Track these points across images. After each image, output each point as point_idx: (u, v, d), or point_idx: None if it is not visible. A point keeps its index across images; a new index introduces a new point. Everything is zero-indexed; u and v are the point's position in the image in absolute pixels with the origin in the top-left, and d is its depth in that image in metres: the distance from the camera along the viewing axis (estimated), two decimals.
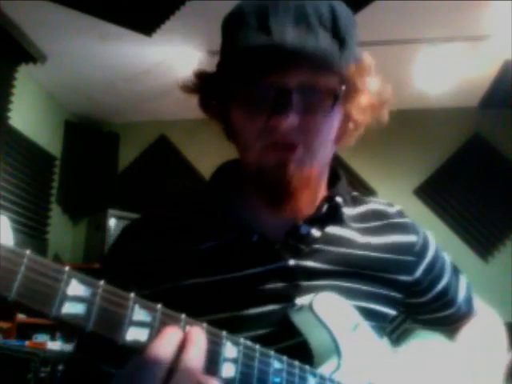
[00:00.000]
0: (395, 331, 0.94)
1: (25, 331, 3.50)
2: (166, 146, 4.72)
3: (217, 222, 0.81)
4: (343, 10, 0.75)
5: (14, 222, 3.67)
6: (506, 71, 3.69)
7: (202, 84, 0.81)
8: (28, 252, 0.45)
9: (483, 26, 3.24)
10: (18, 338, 3.40)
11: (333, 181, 0.87)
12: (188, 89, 0.81)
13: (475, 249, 4.15)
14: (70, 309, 0.48)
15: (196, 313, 0.58)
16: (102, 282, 0.50)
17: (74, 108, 4.58)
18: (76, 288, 0.48)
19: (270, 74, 0.71)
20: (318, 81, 0.72)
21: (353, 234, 0.84)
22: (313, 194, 0.80)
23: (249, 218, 0.80)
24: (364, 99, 0.77)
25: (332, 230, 0.83)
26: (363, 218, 0.88)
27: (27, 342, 3.26)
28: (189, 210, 0.85)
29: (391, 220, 0.89)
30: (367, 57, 0.78)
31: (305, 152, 0.73)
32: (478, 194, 4.19)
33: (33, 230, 3.99)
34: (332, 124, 0.76)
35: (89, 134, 4.72)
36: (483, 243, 4.16)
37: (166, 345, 0.53)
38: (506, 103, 3.97)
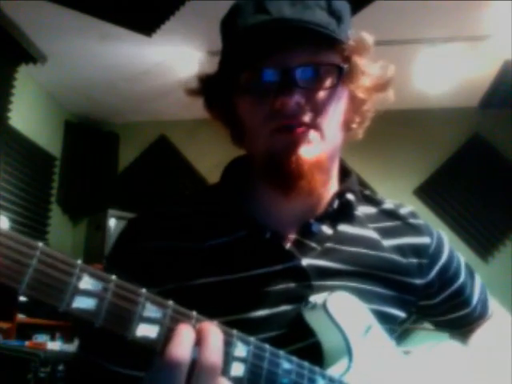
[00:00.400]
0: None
1: (25, 331, 3.49)
2: (166, 146, 4.71)
3: (227, 218, 0.79)
4: None
5: (13, 222, 3.66)
6: (506, 71, 3.69)
7: (206, 84, 0.81)
8: (41, 244, 0.45)
9: (483, 26, 3.24)
10: (17, 338, 3.38)
11: (343, 178, 0.86)
12: (192, 92, 0.81)
13: (475, 249, 4.15)
14: (81, 303, 0.48)
15: (205, 315, 0.56)
16: (113, 277, 0.50)
17: (74, 108, 4.58)
18: (88, 282, 0.48)
19: (272, 55, 0.71)
20: (321, 57, 0.72)
21: (365, 234, 0.82)
22: (324, 180, 0.76)
23: (260, 215, 0.78)
24: (367, 79, 0.77)
25: (344, 228, 0.81)
26: (376, 217, 0.86)
27: (27, 342, 3.24)
28: (197, 208, 0.82)
29: (404, 221, 0.87)
30: (367, 36, 0.77)
31: (314, 133, 0.73)
32: (478, 193, 4.19)
33: (33, 231, 3.98)
34: (338, 104, 0.75)
35: (89, 134, 4.71)
36: (483, 243, 4.16)
37: (182, 344, 0.52)
38: (506, 103, 3.98)
